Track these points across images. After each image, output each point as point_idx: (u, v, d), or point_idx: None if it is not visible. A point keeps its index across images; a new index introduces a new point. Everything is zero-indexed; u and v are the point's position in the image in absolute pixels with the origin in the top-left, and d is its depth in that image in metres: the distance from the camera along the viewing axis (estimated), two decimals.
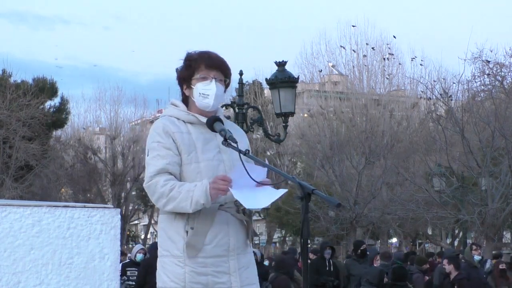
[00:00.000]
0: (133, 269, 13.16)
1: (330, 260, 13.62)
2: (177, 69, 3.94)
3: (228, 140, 3.59)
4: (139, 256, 13.56)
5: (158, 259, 3.78)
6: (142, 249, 14.19)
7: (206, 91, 3.78)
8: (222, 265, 3.68)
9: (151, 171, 3.67)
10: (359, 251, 14.41)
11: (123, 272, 12.88)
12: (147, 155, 3.74)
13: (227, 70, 3.90)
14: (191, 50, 3.90)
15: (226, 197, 3.67)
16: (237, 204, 3.76)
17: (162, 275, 3.72)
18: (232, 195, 3.60)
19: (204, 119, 3.76)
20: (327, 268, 13.41)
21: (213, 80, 3.79)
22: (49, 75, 47.13)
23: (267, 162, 3.71)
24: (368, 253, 14.81)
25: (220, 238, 3.68)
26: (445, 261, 12.19)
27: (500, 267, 13.96)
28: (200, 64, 3.80)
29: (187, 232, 3.65)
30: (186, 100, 3.88)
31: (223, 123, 3.71)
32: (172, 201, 3.59)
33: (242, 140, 3.78)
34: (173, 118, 3.79)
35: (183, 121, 3.78)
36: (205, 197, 3.54)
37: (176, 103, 3.88)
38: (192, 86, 3.81)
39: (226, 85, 3.90)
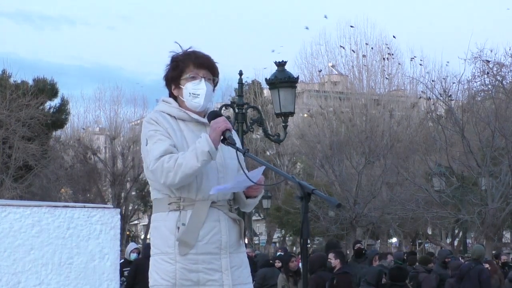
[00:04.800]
0: (129, 269, 13.13)
1: None
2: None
3: (227, 140, 3.61)
4: (133, 256, 13.51)
5: (150, 258, 3.78)
6: (136, 248, 14.16)
7: (196, 90, 3.80)
8: (214, 263, 3.67)
9: (155, 154, 3.66)
10: (354, 250, 14.45)
11: (120, 273, 12.86)
12: (146, 144, 3.76)
13: (215, 69, 3.92)
14: (176, 52, 3.91)
15: (219, 194, 3.69)
16: (230, 203, 3.78)
17: (153, 273, 3.71)
18: (224, 192, 3.66)
19: (195, 116, 3.80)
20: None
21: (203, 80, 3.82)
22: (53, 75, 47.35)
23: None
24: (364, 252, 14.82)
25: (212, 235, 3.67)
26: (331, 255, 12.29)
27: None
28: (188, 64, 3.82)
29: (178, 228, 3.65)
30: (175, 100, 3.90)
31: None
32: (180, 168, 3.57)
33: (236, 140, 3.79)
34: (165, 114, 3.81)
35: (174, 117, 3.80)
36: (208, 144, 3.54)
37: (168, 100, 3.90)
38: (181, 86, 3.82)
39: (215, 84, 3.93)
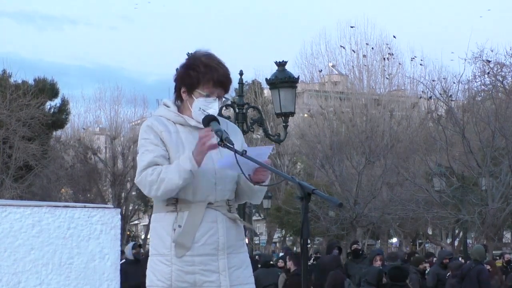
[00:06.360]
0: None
1: None
2: (177, 69, 3.91)
3: (224, 141, 3.58)
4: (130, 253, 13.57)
5: (148, 258, 3.80)
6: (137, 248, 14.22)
7: (207, 108, 3.76)
8: (211, 264, 3.66)
9: (140, 166, 3.70)
10: (351, 251, 14.51)
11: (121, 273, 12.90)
12: (138, 153, 3.78)
13: (230, 86, 3.90)
14: (199, 52, 3.84)
15: (217, 195, 3.69)
16: (228, 203, 3.76)
17: (150, 274, 3.73)
18: (229, 166, 3.61)
19: (192, 122, 3.77)
20: None
21: (216, 100, 3.79)
22: (54, 75, 47.32)
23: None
24: (362, 253, 14.87)
25: (208, 236, 3.66)
26: (287, 258, 12.47)
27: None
28: (208, 80, 3.76)
29: (174, 230, 3.65)
30: (180, 98, 3.87)
31: (219, 123, 3.71)
32: (162, 183, 3.59)
33: (237, 138, 3.78)
34: (162, 118, 3.81)
35: (173, 121, 3.80)
36: (190, 163, 3.55)
37: (168, 104, 3.88)
38: (194, 97, 3.79)
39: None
